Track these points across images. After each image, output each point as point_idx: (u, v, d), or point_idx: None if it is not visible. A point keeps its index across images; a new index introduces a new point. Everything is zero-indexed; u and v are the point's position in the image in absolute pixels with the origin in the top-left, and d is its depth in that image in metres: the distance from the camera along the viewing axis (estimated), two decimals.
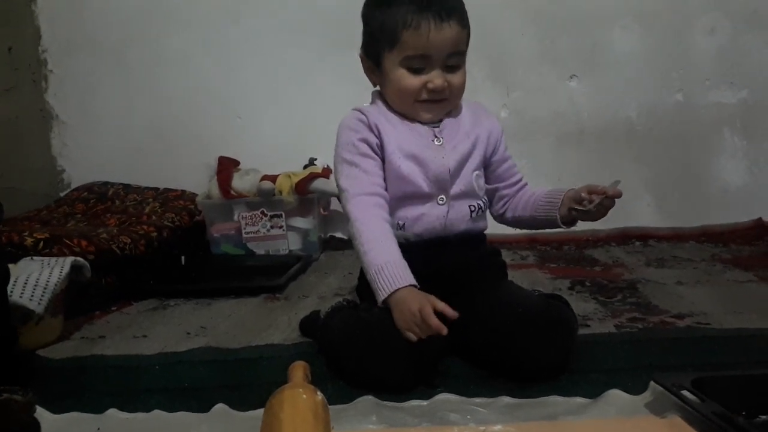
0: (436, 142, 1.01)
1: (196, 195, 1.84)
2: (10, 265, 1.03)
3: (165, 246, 1.59)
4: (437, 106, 1.01)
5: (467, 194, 1.03)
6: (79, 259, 1.19)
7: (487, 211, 1.09)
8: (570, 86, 1.93)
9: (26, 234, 1.32)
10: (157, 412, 0.84)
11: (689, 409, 0.70)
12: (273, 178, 1.75)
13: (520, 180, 1.11)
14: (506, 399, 0.81)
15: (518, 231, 1.87)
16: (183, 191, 1.90)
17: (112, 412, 0.83)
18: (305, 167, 1.81)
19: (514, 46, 1.92)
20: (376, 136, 1.00)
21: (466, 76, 1.02)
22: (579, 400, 0.80)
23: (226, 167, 1.82)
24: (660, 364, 0.91)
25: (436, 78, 0.98)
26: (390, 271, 0.89)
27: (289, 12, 1.93)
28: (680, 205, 1.91)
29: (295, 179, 1.73)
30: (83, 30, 1.97)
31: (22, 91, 1.93)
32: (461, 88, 1.02)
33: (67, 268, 1.13)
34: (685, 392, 0.72)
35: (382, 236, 0.93)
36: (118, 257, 1.40)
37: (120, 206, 1.82)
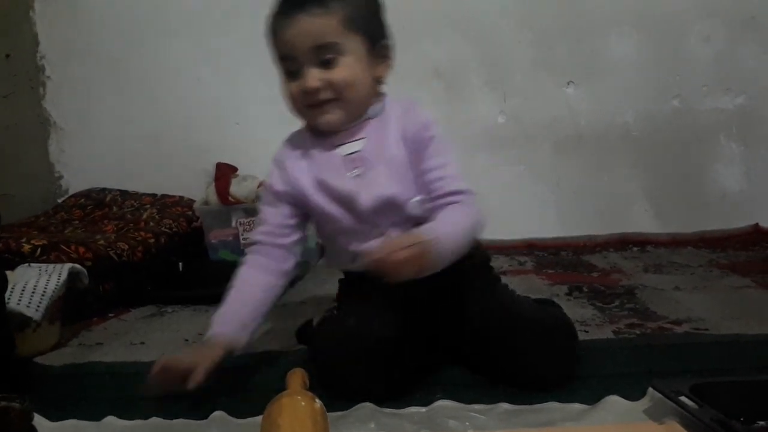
0: (354, 173, 0.91)
1: (194, 201, 1.84)
2: (8, 272, 1.03)
3: (163, 252, 1.59)
4: (321, 110, 0.91)
5: (411, 220, 0.91)
6: (76, 265, 1.19)
7: None
8: (567, 92, 1.94)
9: (24, 240, 1.32)
10: (155, 419, 0.83)
11: (687, 415, 0.70)
12: None
13: (442, 197, 0.91)
14: (505, 405, 0.81)
15: (515, 236, 1.88)
16: (181, 197, 1.90)
17: (110, 420, 0.83)
18: None
19: (511, 53, 1.93)
20: (289, 182, 0.94)
21: (356, 69, 0.89)
22: (577, 406, 0.80)
23: (224, 173, 1.82)
24: (658, 370, 0.91)
25: (308, 78, 0.88)
26: (213, 330, 0.89)
27: None
28: (677, 211, 1.92)
29: None
30: (81, 37, 1.98)
31: (19, 98, 1.93)
32: (348, 83, 0.89)
33: (64, 275, 1.13)
34: (683, 398, 0.72)
35: (237, 295, 0.92)
36: (115, 264, 1.39)
37: (118, 213, 1.82)
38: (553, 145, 1.95)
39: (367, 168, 0.92)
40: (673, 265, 1.60)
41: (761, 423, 0.71)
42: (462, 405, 0.82)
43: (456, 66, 1.93)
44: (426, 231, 0.82)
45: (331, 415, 0.74)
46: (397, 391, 0.86)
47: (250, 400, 0.84)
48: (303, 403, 0.70)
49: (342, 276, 1.05)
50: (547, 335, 0.89)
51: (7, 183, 1.81)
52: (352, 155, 0.93)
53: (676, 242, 1.82)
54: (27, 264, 1.19)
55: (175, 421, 0.83)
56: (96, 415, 0.84)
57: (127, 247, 1.45)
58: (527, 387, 0.86)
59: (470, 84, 1.94)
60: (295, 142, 0.98)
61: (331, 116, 0.91)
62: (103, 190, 1.95)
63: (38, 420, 0.79)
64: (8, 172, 1.83)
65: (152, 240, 1.56)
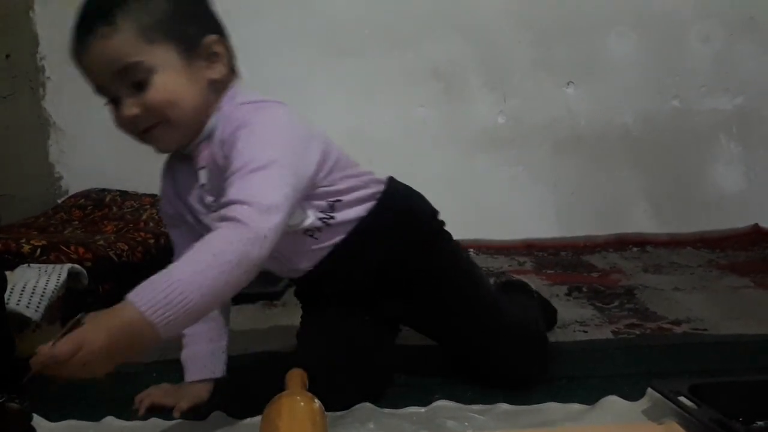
0: (200, 181, 0.82)
1: None
2: (7, 273, 1.03)
3: (162, 253, 1.58)
4: (150, 136, 0.80)
5: (306, 236, 0.84)
6: (76, 266, 1.19)
7: (340, 206, 0.85)
8: (567, 93, 1.94)
9: (23, 241, 1.31)
10: (154, 420, 0.83)
11: (686, 416, 0.70)
12: None
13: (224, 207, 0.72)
14: (504, 406, 0.81)
15: (515, 237, 1.88)
16: None
17: (109, 420, 0.83)
18: None
19: (510, 54, 1.93)
20: (167, 199, 0.89)
21: (176, 84, 0.77)
22: (576, 406, 0.80)
23: None
24: (657, 370, 0.91)
25: (124, 109, 0.77)
26: (190, 375, 0.87)
27: (285, 19, 1.93)
28: (677, 211, 1.92)
29: None
30: None
31: (19, 99, 1.93)
32: (169, 102, 0.77)
33: (64, 276, 1.13)
34: (682, 398, 0.72)
35: (196, 331, 0.87)
36: (115, 264, 1.39)
37: (117, 213, 1.81)
38: (553, 145, 1.95)
39: (208, 177, 0.81)
40: (673, 265, 1.60)
41: (760, 423, 0.71)
42: (461, 405, 0.82)
43: (455, 66, 1.93)
44: (143, 294, 0.65)
45: (330, 415, 0.74)
46: (358, 397, 0.84)
47: (248, 401, 0.84)
48: (302, 404, 0.70)
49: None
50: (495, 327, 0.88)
51: (6, 183, 1.81)
52: (197, 163, 0.82)
53: (675, 242, 1.82)
54: (27, 264, 1.19)
55: (174, 422, 0.83)
56: (95, 416, 0.84)
57: (126, 247, 1.45)
58: (488, 379, 0.87)
59: (470, 84, 1.94)
60: (166, 163, 0.90)
61: (163, 143, 0.81)
62: (103, 190, 1.95)
63: (37, 420, 0.79)
64: (8, 173, 1.83)
65: (152, 240, 1.56)
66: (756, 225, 1.85)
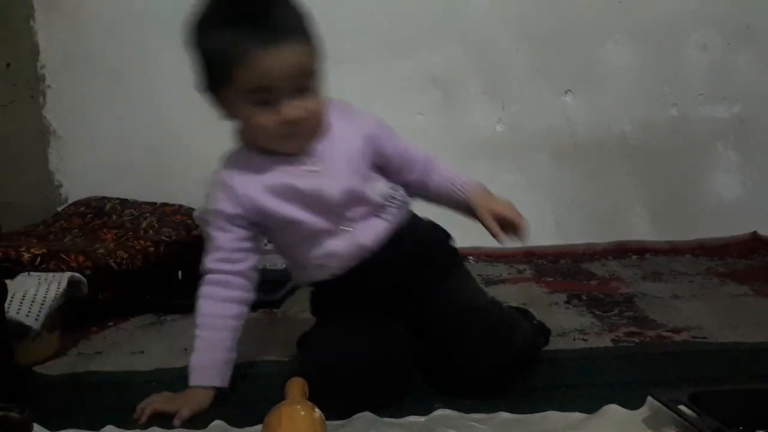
0: (310, 169, 0.90)
1: (194, 210, 1.84)
2: (7, 281, 1.03)
3: (162, 261, 1.58)
4: (295, 137, 0.89)
5: (370, 210, 0.93)
6: (76, 274, 1.19)
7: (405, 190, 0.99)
8: (564, 101, 1.94)
9: (23, 249, 1.31)
10: (154, 429, 0.83)
11: (686, 424, 0.70)
12: None
13: (422, 160, 0.99)
14: (504, 415, 0.81)
15: (515, 245, 1.87)
16: (180, 206, 1.89)
17: (110, 429, 0.83)
18: None
19: (508, 61, 1.94)
20: (240, 203, 0.91)
21: (321, 96, 0.89)
22: (576, 415, 0.80)
23: None
24: (657, 378, 0.91)
25: (290, 110, 0.85)
26: (195, 380, 0.89)
27: None
28: (675, 219, 1.92)
29: None
30: (82, 46, 1.98)
31: (20, 107, 1.93)
32: (320, 110, 0.89)
33: (64, 284, 1.13)
34: (682, 407, 0.72)
35: (209, 335, 0.91)
36: (115, 272, 1.39)
37: (117, 221, 1.81)
38: (551, 153, 1.95)
39: (324, 165, 0.91)
40: (672, 273, 1.60)
41: None
42: (461, 414, 0.82)
43: (454, 74, 1.94)
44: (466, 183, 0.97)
45: (330, 424, 0.74)
46: (394, 399, 0.86)
47: (249, 410, 0.84)
48: (302, 413, 0.70)
49: (312, 288, 1.03)
50: (482, 327, 0.90)
51: (6, 191, 1.81)
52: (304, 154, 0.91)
53: (674, 250, 1.82)
54: (26, 273, 1.19)
55: (174, 431, 0.83)
56: (95, 425, 0.84)
57: (126, 255, 1.45)
58: (464, 387, 0.88)
59: (468, 92, 1.95)
60: (239, 162, 0.93)
61: (303, 143, 0.90)
62: (103, 198, 1.95)
63: (37, 430, 0.79)
64: (8, 181, 1.83)
65: (152, 248, 1.56)
66: (755, 232, 1.85)
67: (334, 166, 0.91)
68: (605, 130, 1.94)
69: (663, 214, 1.93)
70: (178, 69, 1.96)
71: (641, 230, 1.90)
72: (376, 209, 0.93)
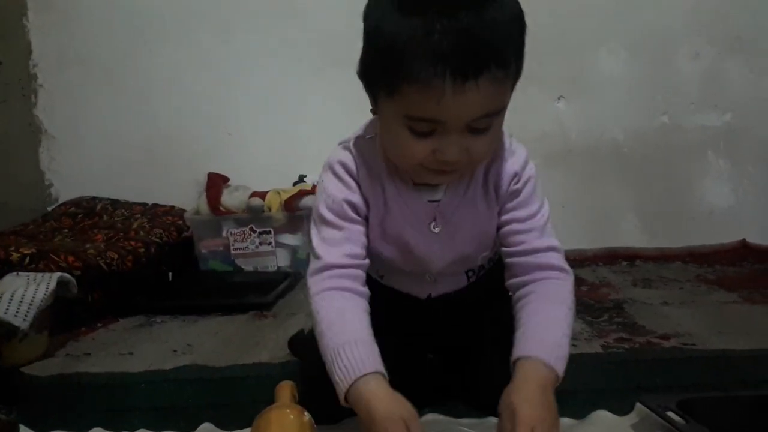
0: (433, 229, 0.80)
1: (185, 211, 1.84)
2: None
3: (152, 262, 1.58)
4: (448, 176, 0.76)
5: (464, 269, 0.87)
6: (65, 274, 1.18)
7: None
8: (558, 107, 1.95)
9: (12, 249, 1.30)
10: (142, 431, 0.83)
11: (675, 431, 0.70)
12: (262, 195, 1.75)
13: (527, 255, 0.79)
14: (494, 420, 0.81)
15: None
16: (171, 207, 1.89)
17: (98, 431, 0.82)
18: (295, 184, 1.81)
19: None
20: (362, 194, 0.80)
21: (497, 137, 0.76)
22: (566, 420, 0.80)
23: (216, 183, 1.81)
24: (646, 384, 0.92)
25: (449, 148, 0.70)
26: (350, 354, 0.70)
27: (279, 29, 1.94)
28: (666, 226, 1.93)
29: (285, 196, 1.73)
30: (74, 45, 1.97)
31: (11, 106, 1.93)
32: (486, 154, 0.75)
33: (53, 284, 1.12)
34: (670, 413, 0.72)
35: (344, 315, 0.74)
36: (105, 273, 1.39)
37: (108, 222, 1.81)
38: (543, 159, 1.96)
39: (447, 222, 0.80)
40: (662, 279, 1.61)
41: None
42: (451, 419, 0.82)
43: None
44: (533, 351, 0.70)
45: (320, 428, 0.74)
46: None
47: (238, 413, 0.84)
48: (292, 416, 0.70)
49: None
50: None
51: None
52: (433, 203, 0.80)
53: (664, 257, 1.83)
54: (15, 273, 1.18)
55: None
56: (83, 427, 0.83)
57: (116, 256, 1.44)
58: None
59: None
60: (366, 159, 0.81)
61: (446, 180, 0.78)
62: (94, 198, 1.94)
63: (24, 431, 0.78)
64: None
65: (142, 249, 1.55)
66: (744, 240, 1.87)
67: (457, 229, 0.80)
68: (597, 137, 1.95)
69: (653, 221, 1.94)
70: (170, 69, 1.98)
71: (632, 237, 1.91)
72: (470, 268, 0.86)
